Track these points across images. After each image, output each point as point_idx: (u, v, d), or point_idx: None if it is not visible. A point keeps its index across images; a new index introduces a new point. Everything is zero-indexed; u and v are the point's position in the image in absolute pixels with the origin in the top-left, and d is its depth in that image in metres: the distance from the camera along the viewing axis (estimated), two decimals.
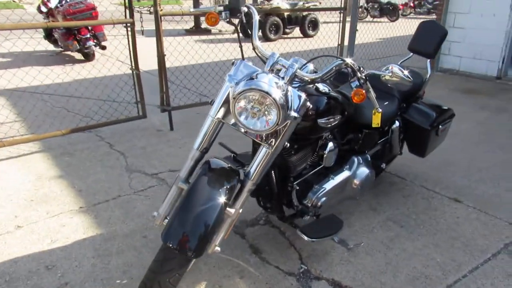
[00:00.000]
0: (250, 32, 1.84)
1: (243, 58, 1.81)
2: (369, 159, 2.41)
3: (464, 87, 5.74)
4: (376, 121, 1.95)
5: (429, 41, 2.41)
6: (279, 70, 1.76)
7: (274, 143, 1.72)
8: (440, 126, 2.52)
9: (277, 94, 1.55)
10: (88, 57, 6.93)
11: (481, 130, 4.10)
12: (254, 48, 1.84)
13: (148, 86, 3.96)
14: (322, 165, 2.17)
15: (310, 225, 2.09)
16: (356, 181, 2.30)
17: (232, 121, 1.75)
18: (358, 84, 1.76)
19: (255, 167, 1.76)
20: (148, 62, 5.40)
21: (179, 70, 4.14)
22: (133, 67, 3.68)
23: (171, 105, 3.93)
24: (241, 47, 1.86)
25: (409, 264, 2.15)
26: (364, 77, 1.74)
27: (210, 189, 1.63)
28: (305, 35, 11.49)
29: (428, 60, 2.62)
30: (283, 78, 1.69)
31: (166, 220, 1.84)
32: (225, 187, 1.66)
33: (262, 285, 2.01)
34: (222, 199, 1.61)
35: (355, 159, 2.33)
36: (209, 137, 1.79)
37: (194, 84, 4.54)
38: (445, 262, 2.17)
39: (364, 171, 2.33)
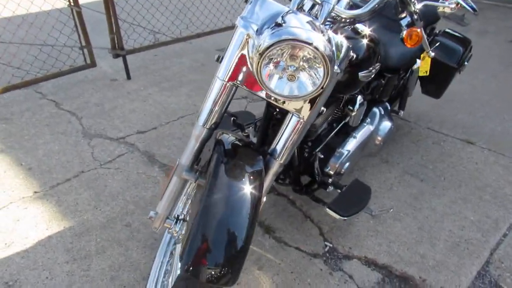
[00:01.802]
0: None
1: None
2: (389, 108, 2.04)
3: None
4: (425, 67, 1.54)
5: None
6: (307, 8, 1.26)
7: (309, 110, 1.27)
8: (466, 63, 2.16)
9: (322, 44, 1.07)
10: None
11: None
12: None
13: (91, 26, 3.21)
14: (343, 123, 1.78)
15: (338, 200, 1.73)
16: (380, 137, 1.94)
17: (257, 86, 1.25)
18: (411, 20, 1.32)
19: (283, 143, 1.31)
20: None
21: (128, 1, 3.39)
22: (72, 3, 2.91)
23: (125, 48, 3.24)
24: None
25: (444, 227, 1.90)
26: (418, 11, 1.30)
27: (237, 184, 1.16)
28: None
29: None
30: (316, 18, 1.20)
31: (168, 221, 1.39)
32: (252, 176, 1.21)
33: (288, 276, 1.67)
34: (254, 196, 1.16)
35: (377, 111, 1.94)
36: (219, 108, 1.29)
37: (149, 21, 3.82)
38: (480, 221, 1.94)
39: (387, 123, 1.97)
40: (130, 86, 3.24)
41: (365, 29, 1.39)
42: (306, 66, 1.11)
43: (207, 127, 1.30)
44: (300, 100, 1.20)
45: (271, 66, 1.11)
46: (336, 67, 1.16)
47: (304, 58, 1.10)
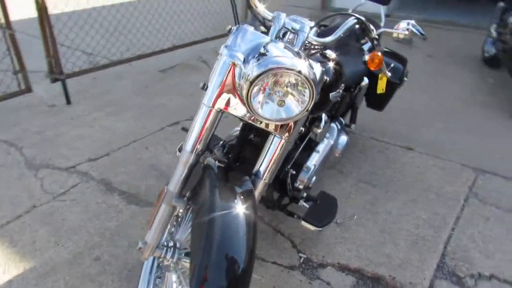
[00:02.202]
0: None
1: (238, 21, 1.33)
2: (343, 123, 2.20)
3: None
4: (382, 86, 1.70)
5: None
6: (283, 36, 1.35)
7: (292, 130, 1.35)
8: (405, 78, 2.40)
9: (306, 69, 1.16)
10: None
11: None
12: (250, 6, 1.36)
13: (23, 47, 3.00)
14: (308, 140, 1.88)
15: (311, 212, 1.82)
16: (339, 150, 2.08)
17: (240, 111, 1.30)
18: (372, 46, 1.47)
19: (267, 163, 1.37)
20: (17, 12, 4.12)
21: (61, 20, 3.22)
22: (4, 25, 2.72)
23: (65, 72, 3.08)
24: (234, 5, 1.36)
25: (402, 228, 2.08)
26: (377, 37, 1.45)
27: (234, 207, 1.19)
28: None
29: (382, 7, 2.41)
30: (293, 45, 1.29)
31: (158, 250, 1.37)
32: (245, 198, 1.25)
33: None
34: (251, 217, 1.20)
35: (335, 126, 2.08)
36: (206, 134, 1.31)
37: (88, 43, 3.66)
38: (430, 218, 2.15)
39: (344, 137, 2.12)
40: (72, 112, 3.08)
41: (332, 54, 1.51)
42: (291, 91, 1.19)
43: (195, 152, 1.32)
44: (287, 122, 1.27)
45: (260, 94, 1.17)
46: None
47: (288, 84, 1.18)
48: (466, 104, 3.52)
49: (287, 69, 1.13)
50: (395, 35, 1.53)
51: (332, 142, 2.02)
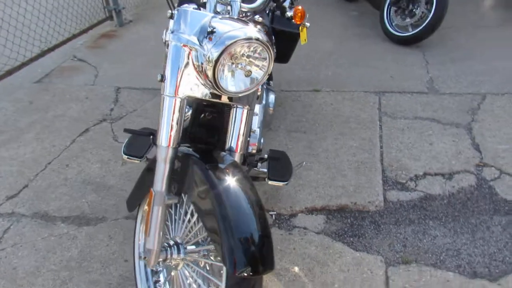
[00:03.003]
0: None
1: (172, 5, 1.30)
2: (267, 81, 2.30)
3: None
4: (304, 37, 1.81)
5: None
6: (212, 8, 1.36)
7: (251, 99, 1.40)
8: (307, 24, 2.55)
9: (260, 35, 1.21)
10: None
11: None
12: None
13: None
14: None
15: (272, 171, 1.91)
16: (271, 108, 2.19)
17: (201, 91, 1.30)
18: (291, 2, 1.57)
19: (237, 135, 1.42)
20: None
21: None
22: None
23: None
24: None
25: (342, 160, 2.31)
26: None
27: (233, 183, 1.22)
28: None
29: None
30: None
31: (162, 253, 1.34)
32: (236, 172, 1.28)
33: None
34: (252, 187, 1.24)
35: (264, 86, 2.17)
36: (177, 125, 1.29)
37: None
38: (361, 144, 2.43)
39: (271, 95, 2.23)
40: None
41: (260, 19, 1.56)
42: (252, 60, 1.23)
43: (172, 146, 1.29)
44: (251, 90, 1.31)
45: (225, 70, 1.19)
46: None
47: (247, 53, 1.21)
48: (345, 39, 3.90)
49: (245, 39, 1.16)
50: None
51: (264, 102, 2.12)
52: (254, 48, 1.20)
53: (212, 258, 1.34)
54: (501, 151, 2.26)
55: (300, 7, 1.54)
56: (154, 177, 1.31)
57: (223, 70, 1.18)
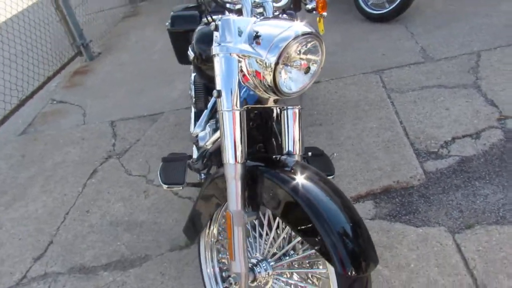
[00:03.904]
0: None
1: (210, 16, 1.23)
2: None
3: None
4: (321, 27, 1.78)
5: None
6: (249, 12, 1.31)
7: (301, 98, 1.36)
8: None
9: (309, 28, 1.16)
10: None
11: None
12: None
13: None
14: None
15: (319, 166, 1.86)
16: None
17: (257, 99, 1.24)
18: None
19: (293, 138, 1.36)
20: None
21: None
22: None
23: None
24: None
25: (369, 142, 2.29)
26: None
27: (314, 183, 1.17)
28: None
29: None
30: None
31: (252, 274, 1.27)
32: (309, 172, 1.23)
33: None
34: (332, 184, 1.19)
35: None
36: (241, 138, 1.22)
37: None
38: (379, 124, 2.42)
39: None
40: None
41: (293, 14, 1.52)
42: (306, 55, 1.18)
43: (240, 161, 1.22)
44: (309, 86, 1.26)
45: (283, 72, 1.14)
46: None
47: (301, 50, 1.17)
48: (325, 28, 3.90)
49: (297, 37, 1.10)
50: None
51: None
52: (306, 43, 1.15)
53: (305, 265, 1.29)
54: None
55: None
56: (228, 198, 1.23)
57: (281, 73, 1.13)
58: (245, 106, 1.21)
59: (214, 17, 1.23)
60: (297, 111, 1.34)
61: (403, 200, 1.93)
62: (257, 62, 1.12)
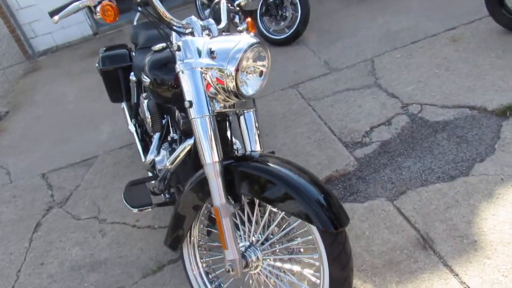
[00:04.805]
0: None
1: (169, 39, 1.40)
2: None
3: (87, 52, 5.71)
4: None
5: None
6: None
7: (253, 101, 1.59)
8: None
9: (255, 39, 1.41)
10: None
11: None
12: (162, 18, 1.42)
13: None
14: None
15: None
16: None
17: (221, 104, 1.43)
18: (239, 17, 1.81)
19: (254, 137, 1.58)
20: None
21: None
22: None
23: None
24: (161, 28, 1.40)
25: (304, 144, 2.58)
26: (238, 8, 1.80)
27: (287, 164, 1.37)
28: None
29: None
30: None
31: (244, 260, 1.40)
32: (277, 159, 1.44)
33: None
34: (299, 165, 1.41)
35: None
36: (215, 139, 1.37)
37: None
38: (308, 128, 2.73)
39: None
40: None
41: (229, 34, 1.75)
42: (257, 62, 1.42)
43: (217, 160, 1.37)
44: (263, 86, 1.48)
45: (242, 78, 1.35)
46: None
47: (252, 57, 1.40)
48: None
49: (250, 46, 1.33)
50: (242, 3, 1.88)
51: None
52: (257, 51, 1.38)
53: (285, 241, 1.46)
54: (411, 91, 2.79)
55: (249, 19, 1.76)
56: (212, 194, 1.37)
57: (242, 79, 1.34)
58: (214, 111, 1.39)
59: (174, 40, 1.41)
60: (252, 113, 1.57)
61: (345, 184, 2.22)
62: (218, 72, 1.32)
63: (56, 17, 1.34)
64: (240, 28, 1.82)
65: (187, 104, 1.34)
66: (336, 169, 2.32)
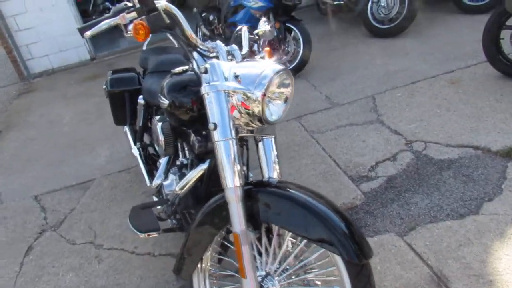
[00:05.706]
0: None
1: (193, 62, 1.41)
2: None
3: (84, 76, 5.66)
4: None
5: None
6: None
7: (274, 128, 1.58)
8: None
9: (280, 65, 1.42)
10: None
11: None
12: (190, 40, 1.43)
13: None
14: None
15: None
16: None
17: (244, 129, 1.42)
18: (257, 46, 1.85)
19: (273, 164, 1.55)
20: None
21: None
22: None
23: None
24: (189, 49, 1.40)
25: (309, 175, 2.56)
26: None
27: (308, 192, 1.36)
28: None
29: None
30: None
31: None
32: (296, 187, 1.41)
33: None
34: (319, 194, 1.39)
35: None
36: (238, 163, 1.35)
37: None
38: (313, 159, 2.72)
39: None
40: None
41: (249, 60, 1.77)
42: (281, 87, 1.42)
43: (239, 185, 1.34)
44: (286, 111, 1.48)
45: (267, 103, 1.35)
46: None
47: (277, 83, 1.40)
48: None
49: (276, 73, 1.34)
50: (261, 33, 1.91)
51: None
52: (283, 77, 1.39)
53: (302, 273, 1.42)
54: (414, 128, 2.83)
55: (268, 48, 1.79)
56: (232, 220, 1.33)
57: (268, 104, 1.34)
58: (238, 135, 1.37)
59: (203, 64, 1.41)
60: (272, 140, 1.55)
61: (352, 218, 2.19)
62: (243, 96, 1.31)
63: (88, 33, 1.33)
64: (258, 56, 1.84)
65: (211, 127, 1.32)
66: (343, 202, 2.29)
